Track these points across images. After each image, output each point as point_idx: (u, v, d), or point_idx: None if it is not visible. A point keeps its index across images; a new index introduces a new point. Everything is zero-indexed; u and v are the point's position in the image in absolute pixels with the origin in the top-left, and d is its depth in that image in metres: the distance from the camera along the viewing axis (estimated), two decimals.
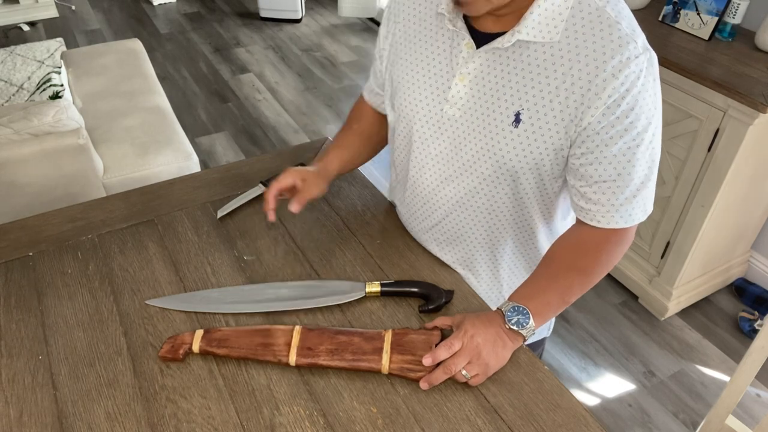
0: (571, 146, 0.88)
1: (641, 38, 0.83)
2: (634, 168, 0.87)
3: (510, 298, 0.94)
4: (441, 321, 0.94)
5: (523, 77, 0.86)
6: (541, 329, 1.20)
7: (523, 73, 0.86)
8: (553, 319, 1.24)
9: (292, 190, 1.08)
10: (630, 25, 0.82)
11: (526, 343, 1.19)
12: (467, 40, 0.89)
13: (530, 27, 0.83)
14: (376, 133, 1.19)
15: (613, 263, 0.97)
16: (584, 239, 0.95)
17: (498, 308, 0.94)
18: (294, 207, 1.07)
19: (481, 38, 0.89)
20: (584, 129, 0.85)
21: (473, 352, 0.88)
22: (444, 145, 0.97)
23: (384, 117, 1.16)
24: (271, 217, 1.06)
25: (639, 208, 0.91)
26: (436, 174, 1.00)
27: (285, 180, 1.08)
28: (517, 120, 0.88)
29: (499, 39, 0.86)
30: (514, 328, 0.90)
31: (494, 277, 1.11)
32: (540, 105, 0.86)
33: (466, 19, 0.90)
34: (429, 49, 0.95)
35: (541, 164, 0.91)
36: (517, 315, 0.91)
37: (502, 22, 0.86)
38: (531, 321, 0.91)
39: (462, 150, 0.95)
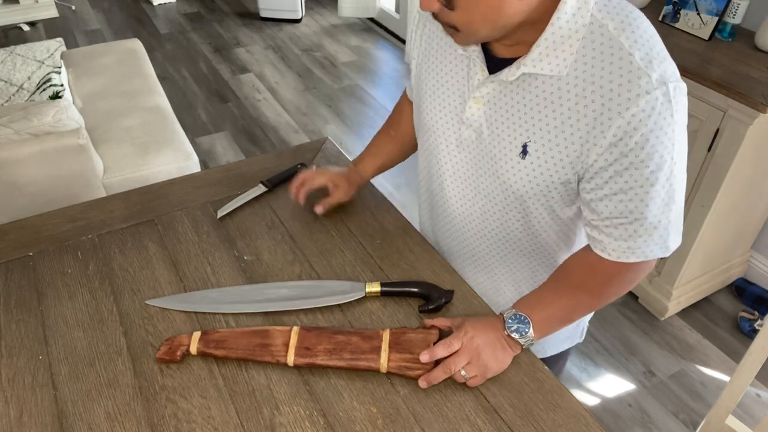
0: (580, 181, 0.86)
1: (659, 70, 0.76)
2: (647, 207, 0.82)
3: (514, 305, 0.93)
4: (440, 322, 0.94)
5: (531, 109, 0.84)
6: (573, 335, 1.19)
7: (531, 105, 0.84)
8: (586, 326, 1.22)
9: (322, 189, 1.17)
10: (647, 55, 0.76)
11: (550, 354, 1.19)
12: (482, 65, 0.87)
13: (536, 60, 0.80)
14: (412, 140, 1.18)
15: (625, 290, 0.94)
16: (598, 263, 0.90)
17: (500, 313, 0.93)
18: (319, 209, 1.17)
19: (496, 62, 0.87)
20: (591, 165, 0.82)
21: (473, 353, 0.88)
22: (462, 163, 0.97)
23: None
24: (302, 200, 1.18)
25: (657, 245, 0.86)
26: (456, 192, 1.00)
27: (318, 181, 1.17)
28: (525, 151, 0.86)
29: (506, 71, 0.84)
30: (514, 335, 0.90)
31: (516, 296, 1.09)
32: (546, 139, 0.83)
33: (483, 43, 0.88)
34: (449, 66, 0.94)
35: (549, 195, 0.89)
36: (518, 323, 0.90)
37: (514, 49, 0.84)
38: (531, 331, 0.90)
39: (477, 172, 0.95)
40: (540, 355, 1.11)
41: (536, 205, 0.91)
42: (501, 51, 0.86)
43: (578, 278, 0.93)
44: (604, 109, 0.77)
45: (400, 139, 1.20)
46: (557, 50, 0.79)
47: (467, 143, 0.94)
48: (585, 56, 0.78)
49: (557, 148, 0.83)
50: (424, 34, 0.99)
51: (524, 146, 0.86)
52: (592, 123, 0.79)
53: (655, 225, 0.84)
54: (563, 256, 1.02)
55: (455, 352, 0.88)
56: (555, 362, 1.21)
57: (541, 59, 0.80)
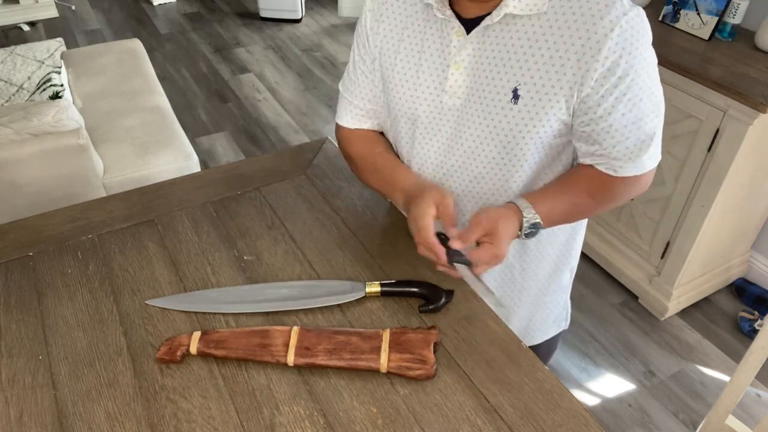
0: (574, 115, 0.89)
1: None
2: (642, 121, 0.89)
3: (530, 200, 0.94)
4: (471, 232, 0.90)
5: (515, 52, 0.87)
6: (559, 320, 1.22)
7: (515, 49, 0.87)
8: (569, 311, 1.26)
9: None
10: None
11: (547, 337, 1.22)
12: (457, 28, 0.90)
13: (517, 0, 0.85)
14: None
15: (626, 200, 1.01)
16: (608, 179, 0.96)
17: (518, 209, 0.93)
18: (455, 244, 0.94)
19: (469, 25, 0.90)
20: (587, 95, 0.86)
21: (494, 236, 0.89)
22: (445, 136, 0.97)
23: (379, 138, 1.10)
24: (454, 273, 0.96)
25: (652, 158, 0.94)
26: (438, 168, 1.01)
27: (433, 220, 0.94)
28: (516, 96, 0.88)
29: (487, 18, 0.87)
30: (523, 237, 0.94)
31: (520, 261, 1.11)
32: (537, 77, 0.87)
33: (452, 7, 0.91)
34: (419, 43, 0.95)
35: (546, 137, 0.91)
36: (533, 229, 0.94)
37: (489, 5, 0.87)
38: (537, 234, 0.94)
39: (463, 138, 0.95)
40: (528, 343, 1.12)
41: (533, 153, 0.94)
42: (474, 10, 0.89)
43: (589, 186, 0.97)
44: (591, 34, 0.83)
45: (388, 147, 1.09)
46: None
47: (451, 112, 0.95)
48: None
49: (549, 83, 0.86)
50: (382, 23, 0.99)
51: (515, 91, 0.88)
52: (581, 50, 0.83)
53: (651, 137, 0.91)
54: None
55: (489, 255, 0.90)
56: (544, 350, 1.23)
57: (521, 0, 0.85)
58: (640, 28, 0.84)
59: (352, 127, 1.09)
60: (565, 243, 1.11)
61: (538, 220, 0.93)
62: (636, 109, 0.88)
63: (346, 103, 1.08)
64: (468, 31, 0.90)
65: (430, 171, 1.02)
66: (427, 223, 0.90)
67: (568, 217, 1.01)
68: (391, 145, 1.10)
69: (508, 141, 0.92)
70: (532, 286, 1.13)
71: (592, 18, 0.82)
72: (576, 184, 0.98)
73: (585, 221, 1.13)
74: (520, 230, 0.93)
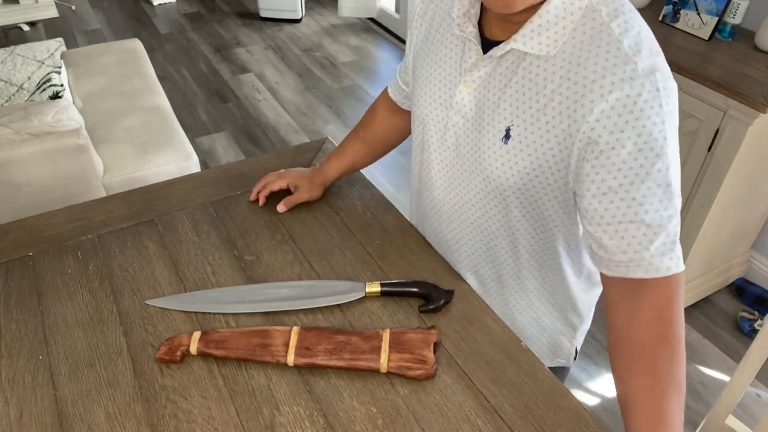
0: (576, 176, 0.80)
1: (647, 61, 0.74)
2: (642, 206, 0.75)
3: None
4: None
5: (517, 91, 0.82)
6: (559, 355, 1.15)
7: (517, 87, 0.82)
8: (576, 350, 1.16)
9: (285, 191, 1.20)
10: (636, 45, 0.74)
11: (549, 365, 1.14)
12: (476, 47, 0.86)
13: (527, 37, 0.79)
14: (381, 141, 1.23)
15: (679, 310, 0.78)
16: (636, 307, 0.79)
17: None
18: (281, 207, 1.20)
19: (491, 45, 0.85)
20: (583, 160, 0.78)
21: None
22: (449, 151, 0.96)
23: (394, 124, 1.19)
24: (261, 202, 1.21)
25: (665, 256, 0.76)
26: (441, 179, 1.00)
27: (278, 184, 1.21)
28: (507, 136, 0.84)
29: (497, 47, 0.83)
30: None
31: (499, 290, 1.08)
32: (529, 122, 0.81)
33: (480, 26, 0.88)
34: (443, 51, 0.93)
35: (531, 185, 0.85)
36: None
37: (512, 30, 0.82)
38: None
39: (462, 159, 0.94)
40: None
41: (517, 196, 0.88)
42: (497, 33, 0.85)
43: (657, 366, 0.77)
44: (587, 91, 0.75)
45: (368, 141, 1.22)
46: (549, 30, 0.78)
47: (454, 129, 0.93)
48: (574, 39, 0.77)
49: (539, 132, 0.80)
50: (424, 21, 0.99)
51: (507, 130, 0.83)
52: (573, 106, 0.76)
53: (657, 232, 0.76)
54: (545, 265, 0.99)
55: None
56: None
57: (532, 37, 0.79)
58: (649, 97, 0.72)
59: (389, 93, 1.18)
60: (564, 290, 1.04)
61: None
62: (633, 189, 0.75)
63: (398, 72, 1.15)
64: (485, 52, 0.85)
65: (435, 180, 1.00)
66: (273, 179, 1.21)
67: (677, 390, 0.76)
68: (372, 136, 1.22)
69: (493, 179, 0.88)
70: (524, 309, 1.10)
71: (594, 74, 0.74)
72: (660, 379, 0.76)
73: (597, 281, 1.03)
74: None
